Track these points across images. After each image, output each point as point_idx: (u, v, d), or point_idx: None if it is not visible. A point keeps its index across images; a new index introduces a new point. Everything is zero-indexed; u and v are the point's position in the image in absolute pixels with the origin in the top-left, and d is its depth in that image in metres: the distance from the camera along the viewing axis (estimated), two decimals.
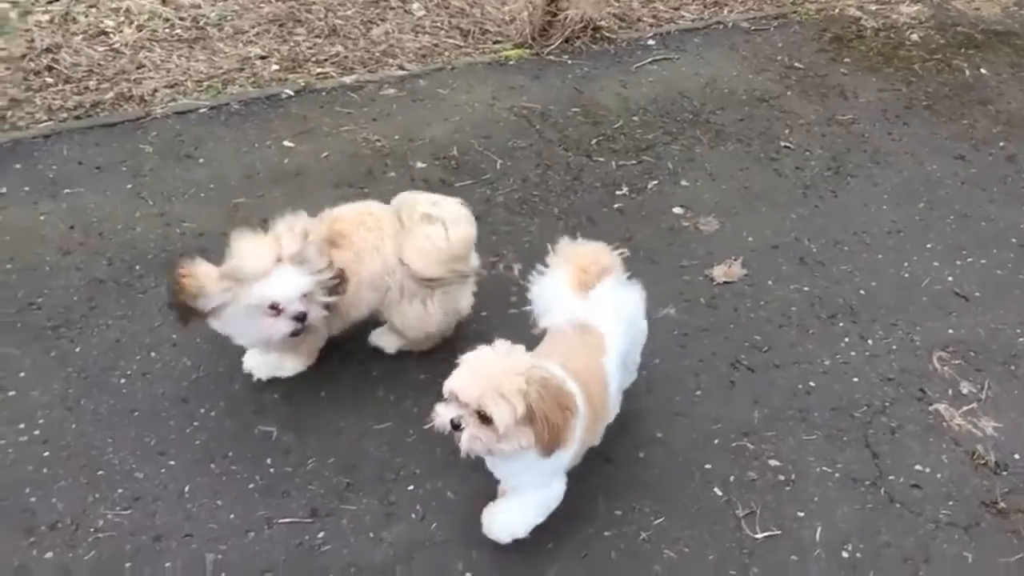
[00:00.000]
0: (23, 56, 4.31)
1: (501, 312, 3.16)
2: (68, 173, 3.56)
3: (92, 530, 2.43)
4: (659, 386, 2.97)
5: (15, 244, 3.22)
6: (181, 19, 4.76)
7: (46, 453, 2.60)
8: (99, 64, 4.32)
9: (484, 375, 2.13)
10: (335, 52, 4.64)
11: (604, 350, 2.46)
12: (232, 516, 2.51)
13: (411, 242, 2.70)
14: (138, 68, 4.33)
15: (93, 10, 4.72)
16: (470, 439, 2.14)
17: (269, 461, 2.65)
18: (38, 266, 3.15)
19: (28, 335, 2.91)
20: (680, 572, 2.47)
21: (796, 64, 4.83)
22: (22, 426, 2.66)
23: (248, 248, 2.51)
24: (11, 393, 2.74)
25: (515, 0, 5.08)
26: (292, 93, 4.18)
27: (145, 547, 2.41)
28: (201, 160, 3.71)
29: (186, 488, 2.56)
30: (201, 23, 4.75)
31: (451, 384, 2.15)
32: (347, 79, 4.36)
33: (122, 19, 4.69)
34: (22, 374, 2.80)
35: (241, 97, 4.12)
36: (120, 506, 2.49)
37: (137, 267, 3.19)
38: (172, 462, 2.62)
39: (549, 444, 2.16)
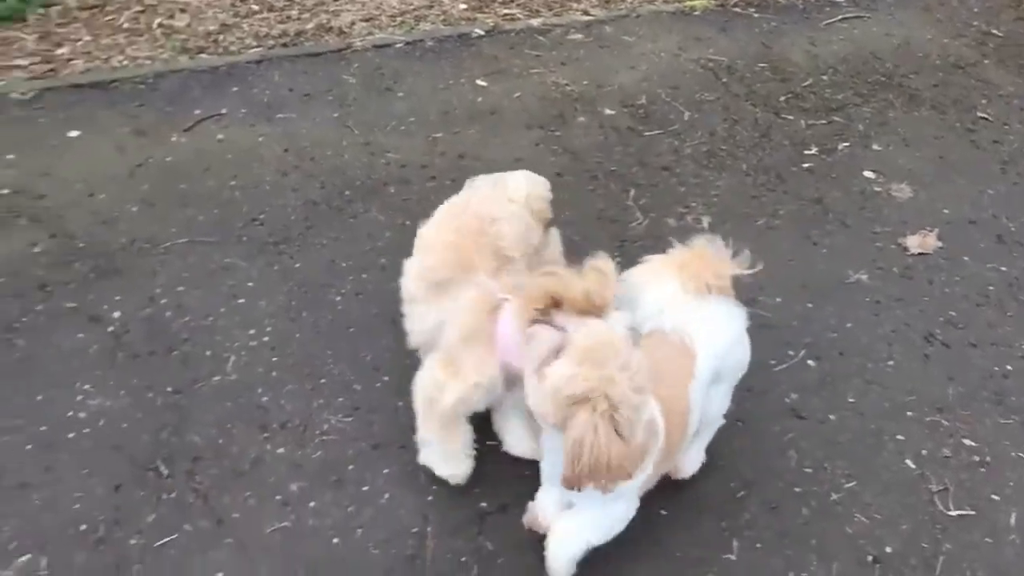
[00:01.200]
0: None
1: None
2: (280, 99, 3.76)
3: (318, 432, 2.64)
4: (851, 351, 2.98)
5: (237, 163, 3.44)
6: None
7: (275, 358, 2.81)
8: None
9: (587, 367, 1.89)
10: None
11: (693, 375, 2.22)
12: None
13: None
14: (335, 0, 4.50)
15: None
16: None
17: None
18: (259, 185, 3.36)
19: (253, 248, 3.13)
20: (872, 537, 2.51)
21: (994, 31, 4.63)
22: (252, 331, 2.88)
23: None
24: (240, 301, 2.96)
25: None
26: (482, 33, 4.27)
27: (365, 453, 2.61)
28: (400, 94, 3.85)
29: (399, 404, 2.74)
30: None
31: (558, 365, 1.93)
32: (534, 21, 4.42)
33: None
34: (250, 284, 3.01)
35: (434, 34, 4.23)
36: (342, 413, 2.69)
37: (347, 192, 3.37)
38: (386, 377, 2.80)
39: (572, 479, 1.92)
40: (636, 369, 1.91)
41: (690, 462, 2.58)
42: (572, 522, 2.25)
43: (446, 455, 2.54)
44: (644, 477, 2.11)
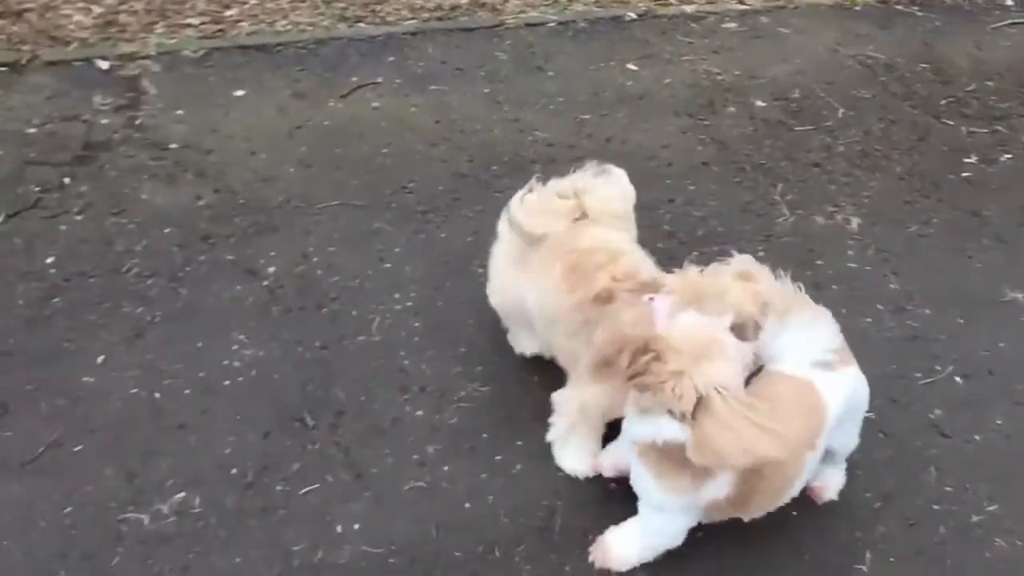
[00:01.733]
0: None
1: (838, 263, 3.15)
2: (433, 71, 3.84)
3: (455, 399, 2.71)
4: (1002, 371, 2.86)
5: (391, 131, 3.54)
6: None
7: (417, 324, 2.90)
8: None
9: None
10: None
11: (823, 425, 2.15)
12: None
13: None
14: None
15: None
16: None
17: None
18: (409, 154, 3.45)
19: (401, 215, 3.22)
20: (1012, 562, 2.42)
21: None
22: (397, 296, 2.97)
23: None
24: (387, 265, 3.06)
25: None
26: (635, 16, 4.25)
27: (499, 423, 2.67)
28: (551, 73, 3.88)
29: (535, 379, 2.78)
30: None
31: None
32: (687, 8, 4.37)
33: None
34: (397, 249, 3.11)
35: (587, 15, 4.24)
36: (479, 383, 2.75)
37: (494, 167, 3.42)
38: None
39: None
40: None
41: (833, 483, 2.53)
42: (629, 527, 2.29)
43: (579, 450, 2.58)
44: (712, 490, 2.08)
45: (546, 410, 2.64)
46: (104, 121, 3.41)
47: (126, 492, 2.42)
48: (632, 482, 2.24)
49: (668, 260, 3.11)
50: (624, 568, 2.34)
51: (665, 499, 2.13)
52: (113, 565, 2.28)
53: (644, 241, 3.17)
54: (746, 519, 2.24)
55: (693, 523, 2.25)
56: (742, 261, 2.34)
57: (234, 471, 2.50)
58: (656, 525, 2.24)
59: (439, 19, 4.18)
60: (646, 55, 4.01)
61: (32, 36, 3.75)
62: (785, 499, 2.26)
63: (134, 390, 2.64)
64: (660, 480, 2.10)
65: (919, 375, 2.85)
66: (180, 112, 3.48)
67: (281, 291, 2.94)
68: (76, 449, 2.49)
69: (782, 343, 2.21)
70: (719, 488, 2.09)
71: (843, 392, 2.20)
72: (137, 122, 3.42)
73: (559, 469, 2.56)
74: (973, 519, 2.52)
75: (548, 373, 2.76)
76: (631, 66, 3.94)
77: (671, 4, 4.42)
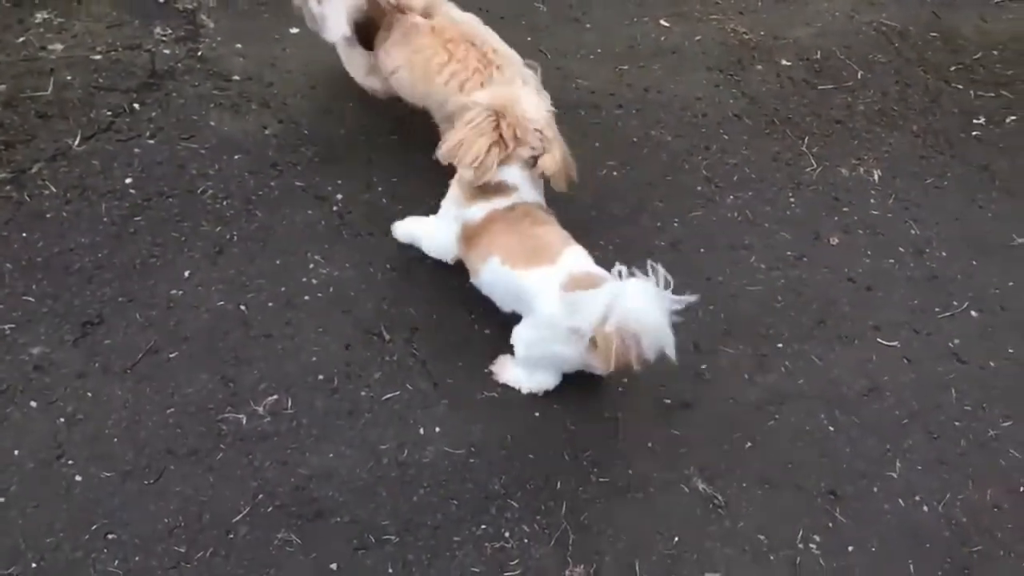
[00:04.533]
0: None
1: (862, 210, 3.41)
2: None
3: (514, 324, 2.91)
4: (1013, 307, 3.15)
5: None
6: None
7: None
8: None
9: None
10: None
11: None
12: None
13: None
14: None
15: None
16: None
17: None
18: None
19: None
20: None
21: None
22: None
23: None
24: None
25: None
26: None
27: None
28: (588, 25, 4.04)
29: None
30: None
31: None
32: None
33: None
34: None
35: None
36: None
37: None
38: None
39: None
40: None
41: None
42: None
43: None
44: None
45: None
46: (166, 51, 3.50)
47: (222, 395, 2.59)
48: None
49: (707, 203, 3.38)
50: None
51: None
52: (218, 459, 2.46)
53: (684, 183, 3.43)
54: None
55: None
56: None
57: (320, 377, 2.68)
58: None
59: None
60: (677, 13, 4.19)
61: None
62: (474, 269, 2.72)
63: (220, 303, 2.79)
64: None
65: (938, 310, 3.12)
66: (239, 46, 3.59)
67: (350, 217, 3.09)
68: (172, 355, 2.65)
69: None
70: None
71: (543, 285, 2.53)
72: (199, 54, 3.52)
73: (619, 384, 2.79)
74: (990, 433, 2.81)
75: None
76: (663, 22, 4.13)
77: None
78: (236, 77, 3.48)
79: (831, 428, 2.78)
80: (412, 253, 3.00)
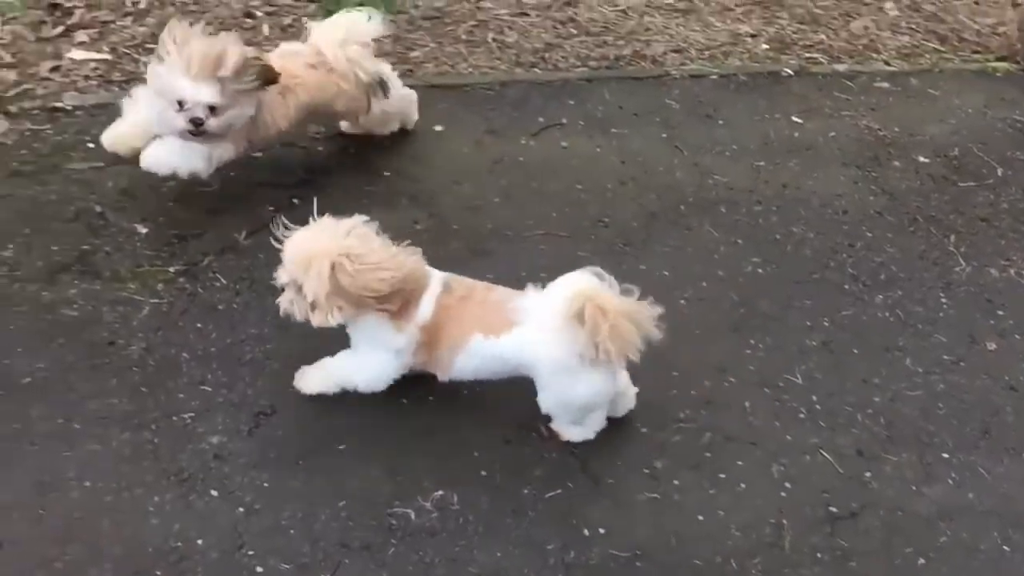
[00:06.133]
0: (548, 7, 4.92)
1: (1018, 314, 3.33)
2: (612, 115, 4.08)
3: (675, 418, 2.89)
4: None
5: (580, 169, 3.77)
6: None
7: None
8: (612, 23, 4.84)
9: (306, 252, 2.47)
10: (819, 39, 4.90)
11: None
12: (789, 437, 2.87)
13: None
14: (645, 31, 4.81)
15: None
16: (287, 303, 2.55)
17: (814, 398, 3.00)
18: (601, 191, 3.68)
19: (601, 246, 3.43)
20: None
21: None
22: None
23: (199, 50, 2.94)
24: None
25: (994, 12, 5.13)
26: (791, 73, 4.50)
27: (718, 443, 2.84)
28: (720, 122, 4.11)
29: (746, 403, 2.96)
30: None
31: (285, 255, 2.52)
32: (839, 67, 4.61)
33: None
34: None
35: (744, 70, 4.49)
36: (694, 406, 2.92)
37: (682, 207, 3.64)
38: (732, 379, 3.03)
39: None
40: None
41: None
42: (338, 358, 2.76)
43: None
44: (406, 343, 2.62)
45: (766, 437, 2.83)
46: (319, 148, 3.67)
47: (390, 488, 2.61)
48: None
49: (856, 301, 3.34)
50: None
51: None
52: (390, 554, 2.47)
53: (831, 281, 3.40)
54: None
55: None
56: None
57: (483, 473, 2.69)
58: (364, 365, 2.73)
59: (607, 68, 4.44)
60: (807, 109, 4.24)
61: None
62: (446, 363, 2.68)
63: (387, 393, 2.84)
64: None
65: None
66: (386, 143, 3.74)
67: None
68: (340, 447, 2.69)
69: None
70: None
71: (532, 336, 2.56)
72: (349, 151, 3.68)
73: (781, 489, 2.74)
74: None
75: (757, 398, 2.95)
76: (795, 118, 4.17)
77: (821, 63, 4.66)
78: (386, 173, 3.62)
79: (1006, 548, 2.67)
80: None
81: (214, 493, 2.52)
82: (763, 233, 3.57)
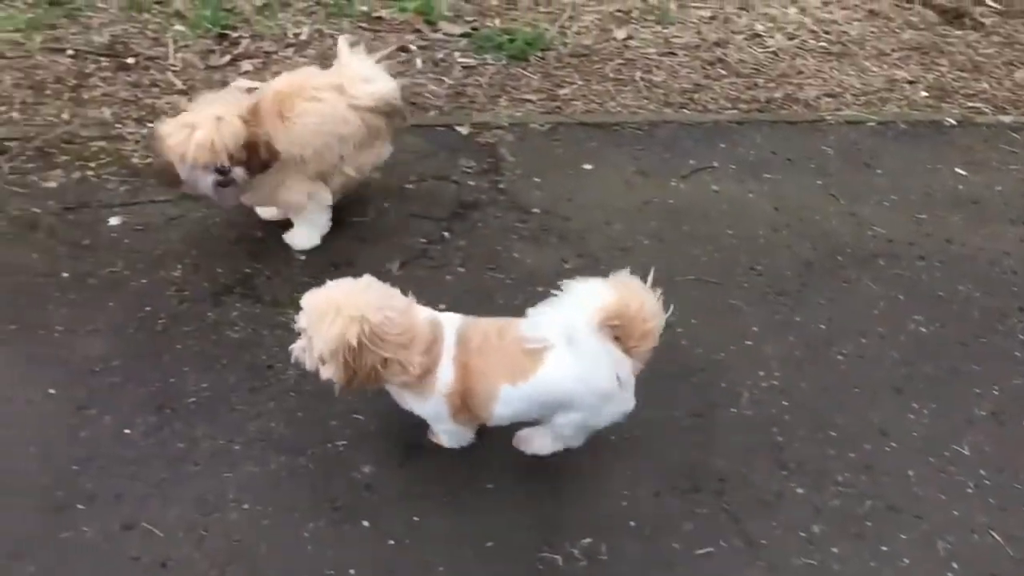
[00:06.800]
0: (696, 47, 4.87)
1: None
2: (764, 159, 3.98)
3: (834, 481, 2.76)
4: None
5: (732, 213, 3.68)
6: (825, 32, 5.07)
7: (784, 402, 2.95)
8: (762, 64, 4.75)
9: (321, 305, 2.33)
10: (981, 88, 4.68)
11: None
12: (955, 512, 2.71)
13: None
14: (797, 73, 4.70)
15: (745, 13, 5.18)
16: (299, 349, 2.44)
17: (983, 472, 2.82)
18: (753, 237, 3.58)
19: (754, 295, 3.33)
20: None
21: None
22: (762, 373, 3.06)
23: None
24: (748, 342, 3.16)
25: None
26: (954, 123, 4.30)
27: (880, 512, 2.69)
28: (879, 171, 3.96)
29: (910, 472, 2.80)
30: (843, 39, 5.03)
31: (303, 303, 2.38)
32: (1004, 118, 4.38)
33: (771, 25, 5.09)
34: (754, 328, 3.21)
35: (904, 118, 4.31)
36: (854, 470, 2.79)
37: (839, 257, 3.50)
38: (894, 443, 2.88)
39: (348, 384, 2.37)
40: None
41: (536, 442, 2.71)
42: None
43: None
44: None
45: (930, 509, 2.67)
46: (471, 183, 3.70)
47: (539, 532, 2.58)
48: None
49: None
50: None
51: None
52: None
53: (1000, 347, 3.21)
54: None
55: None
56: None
57: (632, 523, 2.62)
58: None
59: (759, 111, 4.34)
60: (972, 161, 4.04)
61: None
62: (486, 415, 2.50)
63: None
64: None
65: None
66: (537, 180, 3.74)
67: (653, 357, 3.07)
68: (488, 486, 2.67)
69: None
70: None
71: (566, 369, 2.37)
72: (500, 186, 3.70)
73: (948, 569, 2.57)
74: None
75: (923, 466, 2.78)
76: (959, 170, 3.98)
77: (984, 113, 4.45)
78: (536, 210, 3.61)
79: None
80: (716, 399, 2.95)
81: (365, 524, 2.54)
82: (926, 290, 3.40)
